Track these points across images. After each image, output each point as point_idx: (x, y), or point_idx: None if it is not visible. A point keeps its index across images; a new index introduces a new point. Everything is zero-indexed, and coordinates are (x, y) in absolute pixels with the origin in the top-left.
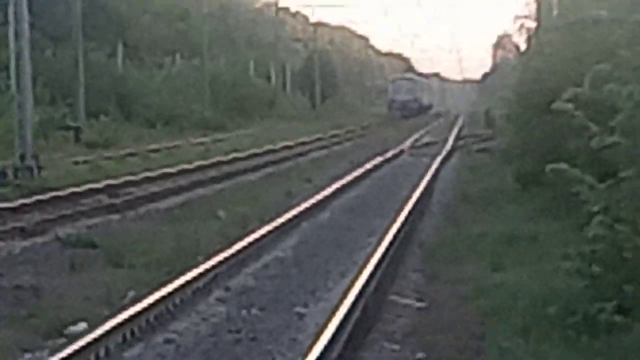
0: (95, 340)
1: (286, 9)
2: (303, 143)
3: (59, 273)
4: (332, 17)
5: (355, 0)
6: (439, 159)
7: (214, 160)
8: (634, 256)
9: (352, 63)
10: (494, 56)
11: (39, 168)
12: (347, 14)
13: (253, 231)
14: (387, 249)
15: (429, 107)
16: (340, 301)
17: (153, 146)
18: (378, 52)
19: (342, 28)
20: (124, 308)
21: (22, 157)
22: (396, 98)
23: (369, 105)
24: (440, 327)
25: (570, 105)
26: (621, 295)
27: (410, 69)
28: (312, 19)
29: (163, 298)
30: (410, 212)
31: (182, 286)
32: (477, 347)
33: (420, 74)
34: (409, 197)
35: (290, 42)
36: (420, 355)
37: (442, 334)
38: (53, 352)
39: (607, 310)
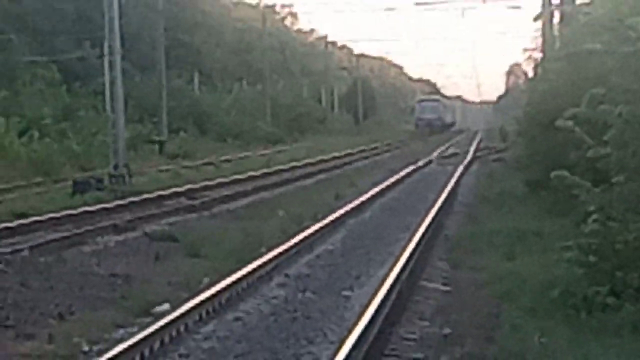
0: (177, 318)
1: (334, 43)
2: (348, 154)
3: (146, 262)
4: (372, 49)
5: (391, 34)
6: (461, 167)
7: (275, 168)
8: (624, 248)
9: (388, 87)
10: (507, 82)
11: (130, 175)
12: (384, 47)
13: (307, 227)
14: (419, 242)
15: (452, 124)
16: (380, 286)
17: (224, 157)
18: (410, 79)
19: (380, 58)
20: (200, 292)
21: (116, 167)
22: (422, 117)
23: (403, 123)
24: (463, 307)
25: (570, 123)
26: (613, 280)
27: (437, 92)
28: (356, 51)
29: (233, 283)
30: (437, 211)
31: (249, 273)
32: (493, 324)
33: (445, 96)
34: (436, 199)
35: (337, 70)
36: (447, 330)
37: (465, 313)
38: (142, 328)
39: (601, 293)
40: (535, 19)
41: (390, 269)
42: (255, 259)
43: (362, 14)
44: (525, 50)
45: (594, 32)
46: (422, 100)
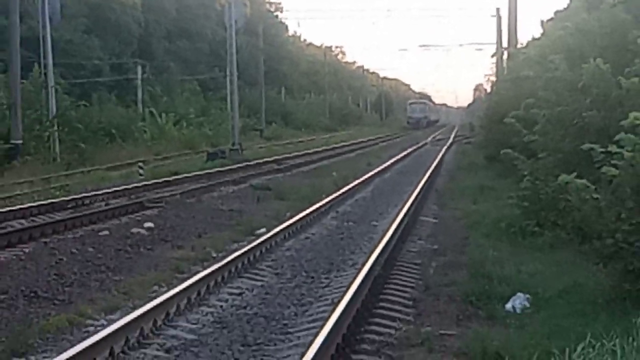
0: (271, 237)
1: (367, 70)
2: (375, 138)
3: (251, 203)
4: (391, 74)
5: (404, 64)
6: (445, 147)
7: (331, 146)
8: (545, 197)
9: (401, 97)
10: (474, 94)
11: (242, 149)
12: (399, 72)
13: (350, 183)
14: (419, 193)
15: (436, 121)
16: (394, 219)
17: (300, 139)
18: (414, 92)
19: (396, 79)
20: (284, 221)
21: (233, 144)
22: (412, 115)
23: None
24: (445, 232)
25: (513, 120)
26: (538, 217)
27: (430, 100)
28: (381, 75)
29: (304, 216)
30: (430, 174)
31: (314, 210)
32: (464, 243)
33: (435, 103)
34: (429, 166)
35: (369, 87)
36: (435, 246)
37: (446, 236)
38: (249, 242)
39: (531, 225)
40: (492, 56)
41: (401, 209)
42: (318, 201)
43: (385, 52)
44: (486, 75)
45: (528, 64)
46: (412, 102)
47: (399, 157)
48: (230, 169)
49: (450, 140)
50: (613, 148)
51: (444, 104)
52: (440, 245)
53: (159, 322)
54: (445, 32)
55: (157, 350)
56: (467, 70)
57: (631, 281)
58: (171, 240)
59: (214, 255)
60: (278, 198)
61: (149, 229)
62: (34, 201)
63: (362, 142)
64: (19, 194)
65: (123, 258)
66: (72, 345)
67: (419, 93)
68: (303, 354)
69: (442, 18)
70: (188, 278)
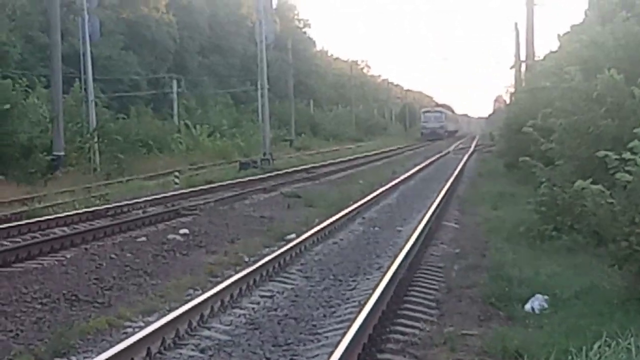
0: (300, 242)
1: (392, 82)
2: (400, 148)
3: (281, 210)
4: (415, 86)
5: (427, 77)
6: (466, 156)
7: (357, 156)
8: (562, 203)
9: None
10: (494, 105)
11: (272, 159)
12: (422, 84)
13: (376, 190)
14: (442, 199)
15: (455, 131)
16: (418, 224)
17: (327, 149)
18: (437, 103)
19: (419, 92)
20: (313, 227)
21: (264, 154)
22: (427, 126)
23: None
24: (466, 237)
25: (531, 129)
26: (555, 222)
27: (452, 111)
28: (405, 87)
29: (332, 222)
30: (452, 181)
31: (342, 216)
32: (484, 247)
33: (454, 112)
34: (452, 174)
35: (394, 99)
36: (457, 250)
37: (467, 240)
38: (279, 247)
39: (548, 229)
40: (511, 68)
41: (424, 214)
42: (345, 208)
43: (409, 65)
44: (506, 87)
45: (545, 76)
46: (427, 111)
47: (422, 165)
48: (262, 178)
49: (472, 149)
50: (627, 155)
51: (465, 114)
52: (461, 249)
53: (194, 324)
54: (467, 46)
55: (192, 350)
56: (487, 81)
57: None
58: (205, 246)
59: (246, 259)
60: (307, 205)
61: (184, 235)
62: (75, 209)
63: (387, 151)
64: (61, 203)
65: (160, 263)
66: (111, 346)
67: (441, 104)
68: (331, 354)
69: (464, 32)
70: (221, 282)
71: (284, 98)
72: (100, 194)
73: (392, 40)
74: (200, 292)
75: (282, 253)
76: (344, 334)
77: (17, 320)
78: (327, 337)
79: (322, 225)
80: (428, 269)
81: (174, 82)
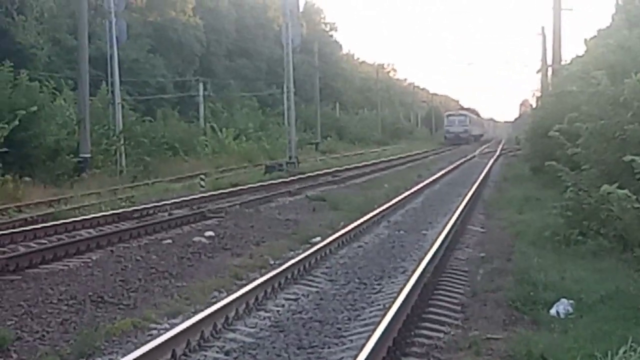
0: (325, 245)
1: (417, 86)
2: (425, 152)
3: (307, 213)
4: (440, 90)
5: (454, 82)
6: (492, 160)
7: (382, 159)
8: (588, 207)
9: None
10: (520, 109)
11: (298, 162)
12: (448, 88)
13: (401, 194)
14: (467, 203)
15: (480, 135)
16: (443, 228)
17: (353, 153)
18: (462, 107)
19: (445, 96)
20: (338, 230)
21: (290, 157)
22: (450, 130)
23: None
24: (492, 241)
25: (557, 133)
26: (581, 226)
27: (478, 115)
28: (431, 91)
29: (357, 225)
30: (478, 185)
31: (367, 220)
32: (510, 251)
33: (479, 116)
34: (477, 178)
35: (419, 102)
36: (482, 254)
37: (493, 244)
38: (304, 250)
39: (574, 233)
40: (537, 72)
41: (450, 218)
42: (370, 211)
43: (436, 69)
44: (532, 90)
45: (572, 80)
46: (450, 115)
47: (448, 169)
48: (287, 181)
49: (497, 153)
50: None
51: (491, 119)
52: (487, 253)
53: (219, 326)
54: (493, 50)
55: (217, 352)
56: (513, 85)
57: None
58: (231, 249)
59: (271, 262)
60: (332, 208)
61: (209, 237)
62: (101, 212)
63: (413, 155)
64: (87, 205)
65: (185, 265)
66: (136, 348)
67: (467, 108)
68: (356, 357)
69: (490, 35)
70: (246, 284)
71: (310, 101)
72: (126, 196)
73: (419, 44)
74: (225, 294)
75: (307, 256)
76: (369, 337)
77: (43, 321)
78: (351, 340)
79: (347, 229)
80: (453, 273)
81: (200, 85)
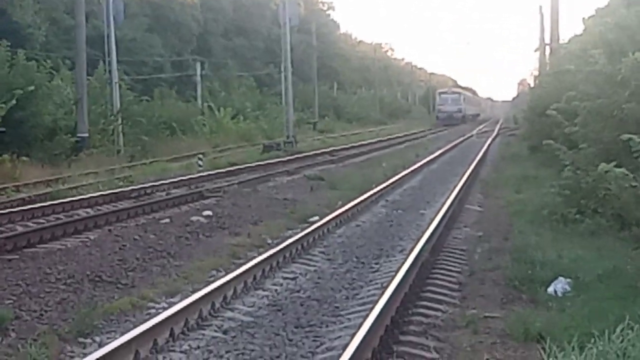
0: (323, 224)
1: (415, 66)
2: (423, 131)
3: (305, 192)
4: (438, 69)
5: (453, 60)
6: (490, 139)
7: (380, 139)
8: (585, 186)
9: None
10: (518, 88)
11: (296, 142)
12: (446, 68)
13: (399, 173)
14: (465, 182)
15: (477, 115)
16: (441, 207)
17: (350, 132)
18: (460, 86)
19: (443, 75)
20: (336, 209)
21: (288, 137)
22: (442, 109)
23: None
24: (489, 220)
25: (555, 112)
26: (579, 205)
27: (475, 94)
28: (429, 71)
29: (355, 204)
30: (475, 164)
31: (364, 199)
32: (508, 230)
33: (475, 94)
34: (475, 157)
35: (417, 82)
36: (480, 233)
37: (490, 223)
38: (302, 229)
39: (572, 212)
40: (535, 51)
41: (448, 197)
42: (368, 190)
43: (433, 48)
44: (530, 70)
45: (570, 59)
46: (443, 92)
47: (445, 148)
48: (285, 161)
49: (495, 133)
50: None
51: (489, 98)
52: (484, 232)
53: (217, 305)
54: (490, 29)
55: (215, 331)
56: (511, 65)
57: None
58: (228, 228)
59: (269, 241)
60: (330, 187)
61: (207, 217)
62: (99, 191)
63: (410, 134)
64: (85, 185)
65: (183, 244)
66: (135, 327)
67: (464, 87)
68: (353, 335)
69: (488, 14)
70: (244, 263)
71: (307, 81)
72: (124, 175)
73: (416, 24)
74: (223, 273)
75: (305, 235)
76: (367, 315)
77: (41, 300)
78: (349, 319)
79: (345, 208)
80: (451, 252)
81: (198, 65)
